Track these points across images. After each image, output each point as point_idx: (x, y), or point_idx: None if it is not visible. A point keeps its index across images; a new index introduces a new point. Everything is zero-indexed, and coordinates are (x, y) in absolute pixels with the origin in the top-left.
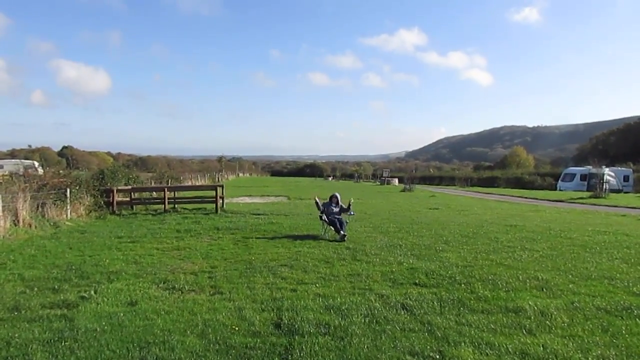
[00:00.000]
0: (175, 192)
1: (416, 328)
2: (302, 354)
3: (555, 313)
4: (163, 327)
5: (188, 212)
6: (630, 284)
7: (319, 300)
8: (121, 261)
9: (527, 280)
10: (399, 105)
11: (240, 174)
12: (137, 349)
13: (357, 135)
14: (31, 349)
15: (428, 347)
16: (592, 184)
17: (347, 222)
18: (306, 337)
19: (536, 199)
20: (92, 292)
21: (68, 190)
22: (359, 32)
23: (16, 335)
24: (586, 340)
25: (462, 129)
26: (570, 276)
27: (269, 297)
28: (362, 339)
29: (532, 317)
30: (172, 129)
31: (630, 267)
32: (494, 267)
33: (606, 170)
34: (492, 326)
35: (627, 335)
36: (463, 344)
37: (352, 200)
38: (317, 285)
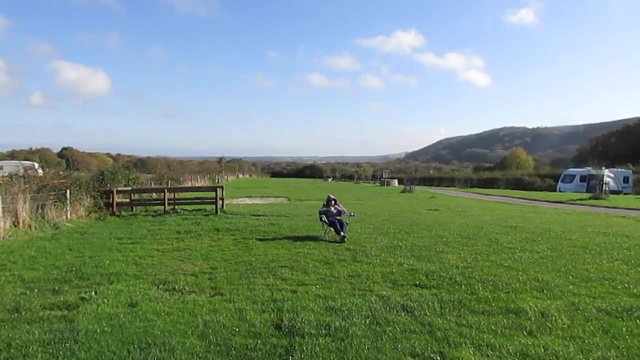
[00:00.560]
0: (175, 193)
1: (417, 329)
2: (302, 355)
3: (555, 314)
4: (163, 329)
5: (188, 213)
6: (631, 286)
7: (320, 301)
8: (121, 262)
9: (528, 282)
10: (398, 106)
11: (240, 175)
12: (138, 350)
13: (356, 136)
14: (31, 350)
15: (429, 348)
16: (592, 185)
17: (347, 223)
18: (307, 338)
19: (536, 200)
20: (93, 294)
21: (68, 192)
22: (356, 33)
23: (16, 336)
24: (587, 342)
25: (462, 130)
26: (570, 277)
27: (270, 298)
28: (363, 340)
29: (533, 319)
30: (172, 130)
31: (631, 269)
32: (494, 268)
33: (606, 172)
34: (493, 327)
35: (627, 337)
36: (464, 345)
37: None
38: (318, 286)
